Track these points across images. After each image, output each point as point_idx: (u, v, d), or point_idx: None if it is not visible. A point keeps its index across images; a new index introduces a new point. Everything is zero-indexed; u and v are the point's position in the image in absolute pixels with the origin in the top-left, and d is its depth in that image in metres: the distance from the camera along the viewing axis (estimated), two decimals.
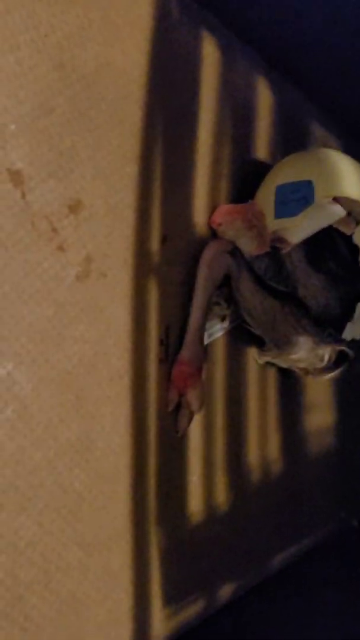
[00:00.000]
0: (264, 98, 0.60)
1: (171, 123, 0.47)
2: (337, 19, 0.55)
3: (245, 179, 0.55)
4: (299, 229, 0.49)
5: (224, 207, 0.51)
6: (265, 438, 0.59)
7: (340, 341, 0.51)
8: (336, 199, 0.50)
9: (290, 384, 0.63)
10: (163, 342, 0.46)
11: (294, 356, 0.52)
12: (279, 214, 0.50)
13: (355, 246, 0.51)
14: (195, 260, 0.48)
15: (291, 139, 0.63)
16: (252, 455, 0.57)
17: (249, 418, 0.57)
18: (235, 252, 0.49)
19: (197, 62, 0.51)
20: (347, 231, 0.50)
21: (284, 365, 0.56)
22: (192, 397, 0.46)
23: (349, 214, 0.50)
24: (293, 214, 0.49)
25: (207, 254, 0.48)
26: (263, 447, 0.59)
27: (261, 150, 0.59)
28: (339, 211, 0.49)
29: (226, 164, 0.54)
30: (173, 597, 0.47)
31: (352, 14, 0.54)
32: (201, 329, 0.47)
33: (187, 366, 0.46)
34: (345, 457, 0.74)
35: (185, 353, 0.46)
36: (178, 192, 0.48)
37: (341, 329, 0.51)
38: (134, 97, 0.44)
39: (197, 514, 0.49)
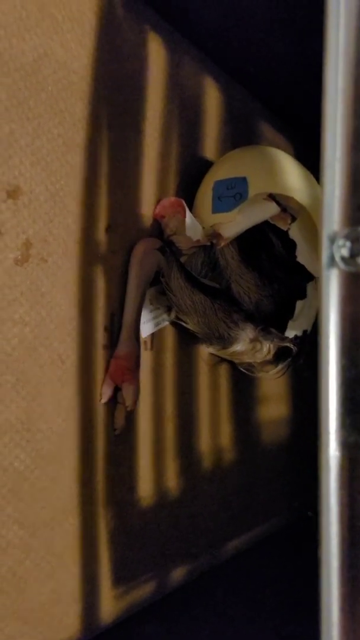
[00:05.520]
0: (213, 98, 0.61)
1: (115, 116, 0.48)
2: (284, 19, 0.56)
3: (193, 175, 0.57)
4: (233, 224, 0.50)
5: (168, 200, 0.52)
6: (217, 427, 0.61)
7: (282, 338, 0.52)
8: (271, 195, 0.51)
9: (242, 376, 0.65)
10: (107, 329, 0.47)
11: (230, 349, 0.52)
12: (215, 209, 0.51)
13: (291, 244, 0.52)
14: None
15: (241, 140, 0.65)
16: (204, 443, 0.58)
17: (199, 407, 0.58)
18: (165, 249, 0.50)
19: (141, 59, 0.52)
20: (283, 227, 0.51)
21: (227, 358, 0.56)
22: (128, 392, 0.46)
23: (284, 210, 0.51)
24: (228, 209, 0.50)
25: (138, 251, 0.48)
26: (215, 435, 0.60)
27: (210, 148, 0.60)
28: (273, 207, 0.50)
29: (174, 160, 0.55)
30: (122, 578, 0.47)
31: (300, 16, 0.55)
32: (136, 325, 0.47)
33: (124, 360, 0.46)
34: (299, 447, 0.76)
35: (122, 348, 0.46)
36: (123, 183, 0.49)
37: (278, 325, 0.51)
38: (75, 88, 0.45)
39: (147, 498, 0.50)
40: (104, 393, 0.45)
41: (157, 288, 0.51)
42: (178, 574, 0.54)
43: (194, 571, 0.56)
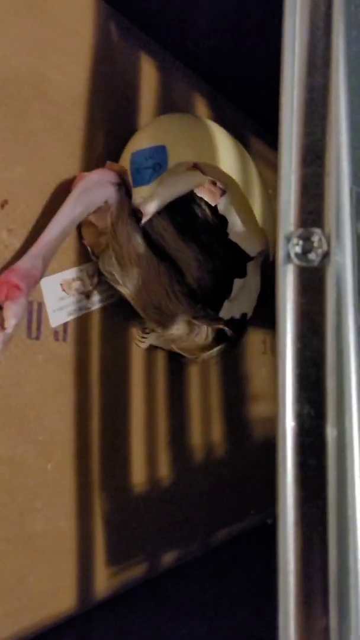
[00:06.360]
0: (202, 114, 0.65)
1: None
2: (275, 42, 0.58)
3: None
4: (153, 197, 0.45)
5: (84, 174, 0.47)
6: (209, 422, 0.63)
7: (217, 319, 0.48)
8: (197, 166, 0.47)
9: (234, 373, 0.68)
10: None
11: (172, 333, 0.47)
12: (135, 183, 0.46)
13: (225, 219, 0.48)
14: (42, 227, 0.45)
15: None
16: (195, 436, 0.61)
17: (191, 401, 0.60)
18: (121, 187, 0.46)
19: (136, 79, 0.54)
20: (212, 201, 0.47)
21: (165, 347, 0.52)
22: (10, 312, 0.39)
23: (214, 183, 0.47)
24: (147, 181, 0.45)
25: (92, 177, 0.44)
26: (206, 428, 0.63)
27: None
28: (198, 177, 0.46)
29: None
30: (116, 559, 0.50)
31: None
32: (52, 247, 0.42)
33: (17, 276, 0.40)
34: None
35: (23, 263, 0.41)
36: (31, 157, 0.46)
37: (216, 305, 0.47)
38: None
39: (140, 485, 0.53)
40: None
41: (75, 270, 0.48)
42: (169, 557, 0.57)
43: (185, 556, 0.59)
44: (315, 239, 0.24)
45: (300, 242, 0.24)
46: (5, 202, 0.43)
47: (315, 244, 0.24)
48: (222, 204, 0.48)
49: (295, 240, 0.24)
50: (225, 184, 0.48)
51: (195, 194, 0.47)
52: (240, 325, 0.50)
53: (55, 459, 0.46)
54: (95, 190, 0.44)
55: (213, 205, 0.48)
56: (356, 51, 0.26)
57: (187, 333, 0.48)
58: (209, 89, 0.65)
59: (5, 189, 0.44)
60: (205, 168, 0.47)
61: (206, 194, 0.47)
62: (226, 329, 0.49)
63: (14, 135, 0.44)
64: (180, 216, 0.47)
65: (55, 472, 0.45)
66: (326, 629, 0.23)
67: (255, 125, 0.74)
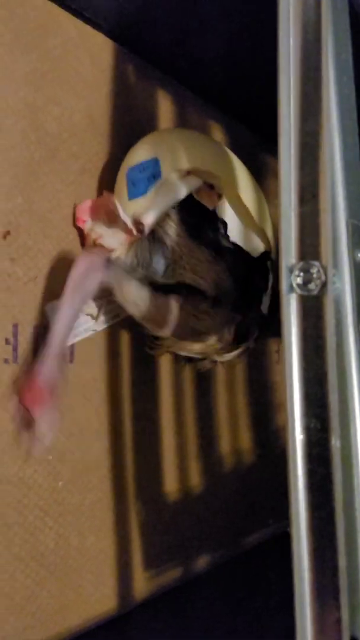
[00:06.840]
0: (216, 137, 0.68)
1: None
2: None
3: None
4: (151, 207, 0.47)
5: (86, 203, 0.50)
6: (236, 432, 0.67)
7: (258, 315, 0.49)
8: (192, 173, 0.49)
9: (254, 383, 0.71)
10: (9, 342, 0.44)
11: (203, 342, 0.48)
12: (131, 196, 0.49)
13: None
14: (45, 254, 0.47)
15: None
16: (223, 445, 0.65)
17: (219, 411, 0.64)
18: (109, 263, 0.47)
19: (152, 111, 0.58)
20: (209, 205, 0.49)
21: (181, 352, 0.53)
22: (43, 421, 0.40)
23: (211, 187, 0.50)
24: (143, 192, 0.48)
25: (78, 269, 0.45)
26: (234, 438, 0.66)
27: None
28: (192, 183, 0.48)
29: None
30: (152, 564, 0.54)
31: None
32: (63, 344, 0.44)
33: (39, 382, 0.41)
34: None
35: (42, 367, 0.42)
36: (29, 186, 0.48)
37: (244, 301, 0.49)
38: None
39: (173, 493, 0.56)
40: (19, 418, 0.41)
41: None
42: (200, 562, 0.61)
43: (214, 561, 0.62)
44: (314, 270, 0.27)
45: (301, 274, 0.27)
46: (8, 232, 0.45)
47: (315, 275, 0.27)
48: (220, 207, 0.50)
49: (296, 272, 0.27)
50: (219, 187, 0.51)
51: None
52: (262, 321, 0.51)
53: (65, 477, 0.47)
54: (86, 280, 0.45)
55: (211, 209, 0.50)
56: (348, 94, 0.29)
57: (213, 340, 0.49)
58: (220, 114, 0.68)
59: (6, 219, 0.46)
60: (199, 173, 0.50)
61: (204, 198, 0.50)
62: (250, 325, 0.49)
63: (12, 166, 0.46)
64: (189, 220, 0.50)
65: (65, 490, 0.47)
66: (338, 621, 0.25)
67: (270, 144, 0.75)
